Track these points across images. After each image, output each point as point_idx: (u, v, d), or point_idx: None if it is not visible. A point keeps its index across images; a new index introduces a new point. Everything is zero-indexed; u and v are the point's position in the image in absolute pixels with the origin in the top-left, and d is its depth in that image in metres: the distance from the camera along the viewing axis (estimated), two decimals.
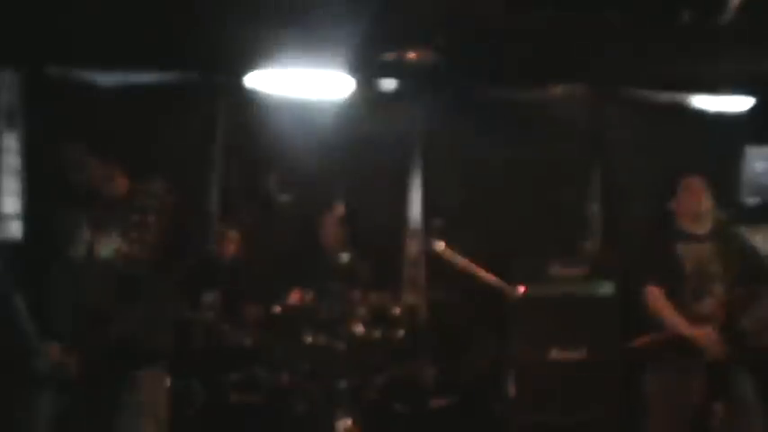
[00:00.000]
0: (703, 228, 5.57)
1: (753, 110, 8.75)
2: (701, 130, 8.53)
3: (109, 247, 4.10)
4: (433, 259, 7.04)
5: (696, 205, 5.56)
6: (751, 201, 9.15)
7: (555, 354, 7.12)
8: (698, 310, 5.35)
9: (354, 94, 7.31)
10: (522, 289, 6.48)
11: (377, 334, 6.05)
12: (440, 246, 6.27)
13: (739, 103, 8.73)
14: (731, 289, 5.41)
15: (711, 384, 5.28)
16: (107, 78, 6.96)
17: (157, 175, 4.24)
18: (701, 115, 8.69)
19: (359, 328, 6.00)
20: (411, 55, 6.45)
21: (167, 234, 4.10)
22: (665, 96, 8.47)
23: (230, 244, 6.44)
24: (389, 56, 6.47)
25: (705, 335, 5.24)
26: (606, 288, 7.27)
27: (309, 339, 5.92)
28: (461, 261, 6.28)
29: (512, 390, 6.52)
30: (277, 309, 6.12)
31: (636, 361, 5.61)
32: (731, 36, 4.27)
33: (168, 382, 4.71)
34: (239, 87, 7.11)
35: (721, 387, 5.31)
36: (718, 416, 5.31)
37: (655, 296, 5.42)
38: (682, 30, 3.98)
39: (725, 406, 5.30)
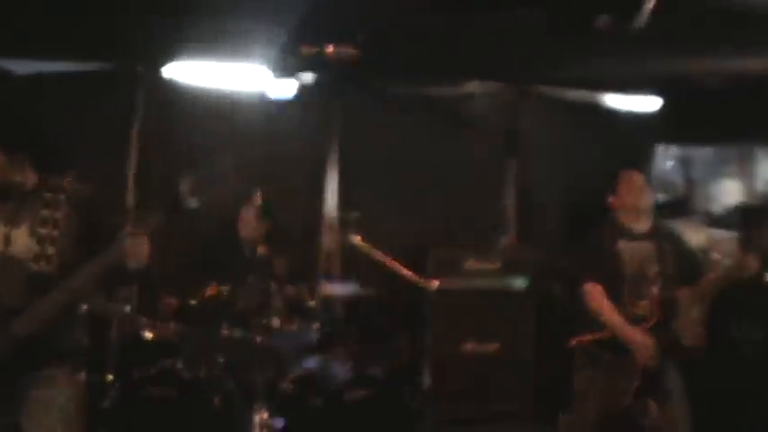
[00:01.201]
0: (644, 225, 5.56)
1: (662, 110, 8.94)
2: (612, 129, 8.70)
3: (19, 242, 4.02)
4: (349, 252, 7.08)
5: (637, 201, 5.54)
6: (660, 198, 9.36)
7: (469, 347, 7.23)
8: (635, 310, 5.36)
9: (272, 88, 7.29)
10: (436, 283, 6.51)
11: (293, 327, 6.05)
12: (355, 239, 6.29)
13: (649, 103, 8.92)
14: (666, 289, 5.42)
15: (644, 383, 5.30)
16: (19, 67, 6.82)
17: (70, 168, 4.18)
18: (613, 114, 8.86)
19: (275, 321, 6.00)
20: (330, 50, 6.46)
21: (80, 229, 4.05)
22: (578, 95, 8.61)
23: (146, 238, 6.38)
24: (308, 50, 6.47)
25: (641, 336, 5.25)
26: (520, 283, 7.40)
27: (226, 332, 5.89)
28: (377, 254, 6.32)
29: (427, 382, 6.58)
30: (193, 302, 6.09)
31: (569, 358, 5.61)
32: (642, 38, 4.36)
33: (82, 377, 4.66)
34: (158, 78, 7.03)
35: (653, 385, 5.34)
36: (651, 413, 5.33)
37: (595, 295, 5.38)
38: (595, 31, 4.05)
39: (655, 403, 5.33)
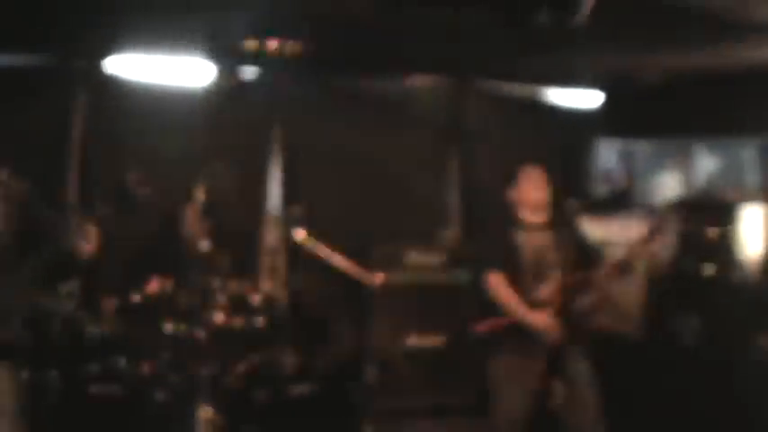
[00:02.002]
0: (542, 217, 5.74)
1: (603, 104, 9.05)
2: (554, 123, 8.78)
3: None
4: (293, 247, 7.08)
5: (536, 195, 5.71)
6: (602, 191, 9.48)
7: (413, 340, 7.27)
8: (537, 296, 5.53)
9: (214, 82, 7.26)
10: (380, 277, 6.54)
11: (237, 322, 6.05)
12: (299, 234, 6.29)
13: (591, 98, 9.01)
14: (566, 275, 5.58)
15: (550, 365, 5.49)
16: None
17: (6, 163, 4.14)
18: (555, 108, 8.94)
19: (219, 317, 5.99)
20: (272, 44, 6.46)
21: (17, 225, 4.02)
22: (521, 89, 8.68)
23: (88, 234, 6.32)
24: (250, 44, 6.46)
25: (544, 319, 5.43)
26: (463, 276, 7.41)
27: (169, 328, 5.88)
28: (320, 249, 6.32)
29: (371, 376, 6.60)
30: (136, 298, 6.06)
31: (481, 345, 5.76)
32: (582, 34, 4.43)
33: (23, 375, 4.61)
34: (98, 72, 6.95)
35: (559, 367, 5.51)
36: (558, 395, 5.53)
37: (496, 283, 5.55)
38: (536, 27, 4.10)
39: (563, 385, 5.52)
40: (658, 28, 5.53)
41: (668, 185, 9.54)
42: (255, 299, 6.42)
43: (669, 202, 8.25)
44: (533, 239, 5.66)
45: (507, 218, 5.78)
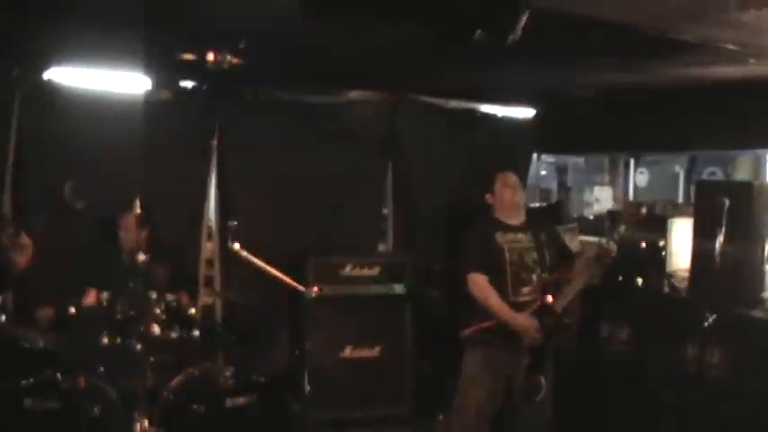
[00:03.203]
0: (519, 219, 6.09)
1: (536, 119, 9.18)
2: (489, 137, 8.88)
3: None
4: (229, 260, 7.09)
5: (512, 197, 6.08)
6: (536, 204, 9.62)
7: (349, 352, 7.32)
8: (519, 297, 5.82)
9: (152, 94, 7.24)
10: (316, 289, 6.57)
11: (173, 334, 6.03)
12: (235, 246, 6.31)
13: (524, 113, 9.14)
14: (545, 274, 5.96)
15: (533, 361, 5.74)
16: None
17: None
18: (490, 123, 9.05)
19: (155, 329, 5.97)
20: (209, 57, 6.46)
21: None
22: (457, 104, 8.77)
23: (23, 246, 6.28)
24: (187, 57, 6.46)
25: (526, 319, 5.70)
26: (399, 288, 7.51)
27: (105, 340, 5.84)
28: (257, 261, 6.34)
29: (307, 388, 6.63)
30: (72, 310, 6.02)
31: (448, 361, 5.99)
32: (516, 52, 4.52)
33: None
34: (36, 81, 6.88)
35: (542, 363, 5.78)
36: (542, 389, 5.75)
37: (480, 283, 5.79)
38: (471, 44, 4.19)
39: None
40: (590, 45, 5.64)
41: (601, 199, 9.74)
42: (192, 311, 6.41)
43: (602, 215, 8.41)
44: (513, 240, 5.97)
45: (485, 221, 6.10)
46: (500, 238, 5.96)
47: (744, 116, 7.08)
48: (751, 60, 5.78)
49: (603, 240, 5.99)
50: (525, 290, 5.87)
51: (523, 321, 5.69)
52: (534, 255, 5.99)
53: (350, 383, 7.24)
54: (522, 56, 5.13)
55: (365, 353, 7.34)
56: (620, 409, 6.71)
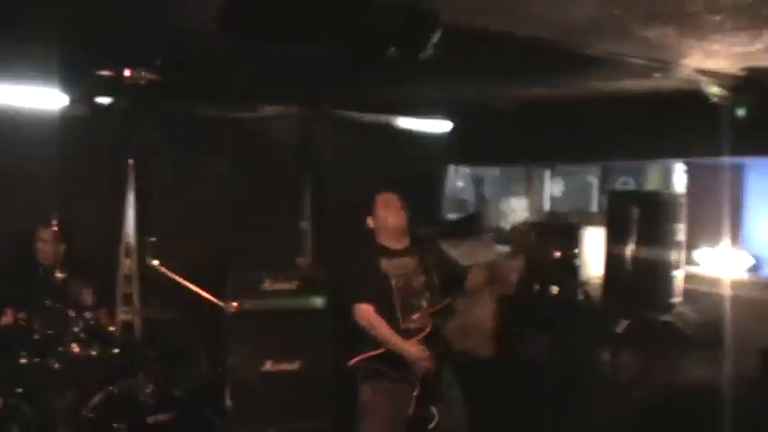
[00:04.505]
0: (403, 243, 5.79)
1: (453, 132, 9.29)
2: (406, 150, 8.97)
3: None
4: (148, 276, 7.06)
5: (394, 220, 5.74)
6: (452, 216, 9.74)
7: (269, 366, 7.31)
8: (408, 324, 5.54)
9: (68, 109, 7.19)
10: (235, 304, 6.58)
11: (93, 352, 5.99)
12: (154, 262, 6.28)
13: (441, 126, 9.26)
14: (434, 300, 5.65)
15: (424, 390, 5.49)
16: None
17: None
18: (407, 136, 9.14)
19: (75, 348, 5.93)
20: (126, 73, 6.45)
21: None
22: (374, 118, 8.85)
23: None
24: (104, 73, 6.44)
25: (416, 347, 5.46)
26: (318, 302, 7.52)
27: (24, 360, 5.79)
28: (176, 277, 6.33)
29: (229, 402, 6.63)
30: None
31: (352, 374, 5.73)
32: (430, 67, 4.59)
33: None
34: None
35: (434, 392, 5.53)
36: (435, 419, 5.51)
37: (366, 314, 5.53)
38: (386, 60, 4.25)
39: (439, 408, 5.53)
40: (503, 60, 5.75)
41: (515, 209, 9.88)
42: (111, 328, 6.39)
43: (517, 226, 8.52)
44: (398, 265, 5.66)
45: (369, 245, 5.79)
46: (385, 264, 5.65)
47: (653, 128, 7.26)
48: (656, 74, 5.93)
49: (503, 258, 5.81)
50: (415, 316, 5.58)
51: (412, 349, 5.46)
52: (422, 278, 5.69)
53: (271, 398, 7.20)
54: (437, 70, 5.20)
55: (286, 366, 7.32)
56: (537, 415, 6.80)
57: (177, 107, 7.81)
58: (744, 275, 6.89)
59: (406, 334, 5.52)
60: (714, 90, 6.08)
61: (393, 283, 5.61)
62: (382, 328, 5.51)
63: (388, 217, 5.74)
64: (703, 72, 5.93)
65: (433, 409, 5.52)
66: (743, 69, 5.85)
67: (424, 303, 5.64)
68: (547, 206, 10.32)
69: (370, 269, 5.65)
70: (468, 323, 6.57)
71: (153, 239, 6.33)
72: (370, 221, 5.80)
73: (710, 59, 5.57)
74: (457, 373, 5.76)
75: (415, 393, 5.48)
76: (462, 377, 5.78)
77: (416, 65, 4.34)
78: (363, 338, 5.61)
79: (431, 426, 5.53)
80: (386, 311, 5.55)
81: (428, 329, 5.56)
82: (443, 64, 4.65)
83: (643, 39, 4.90)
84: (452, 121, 9.24)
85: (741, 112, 6.15)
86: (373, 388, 5.62)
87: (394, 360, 5.49)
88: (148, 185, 7.67)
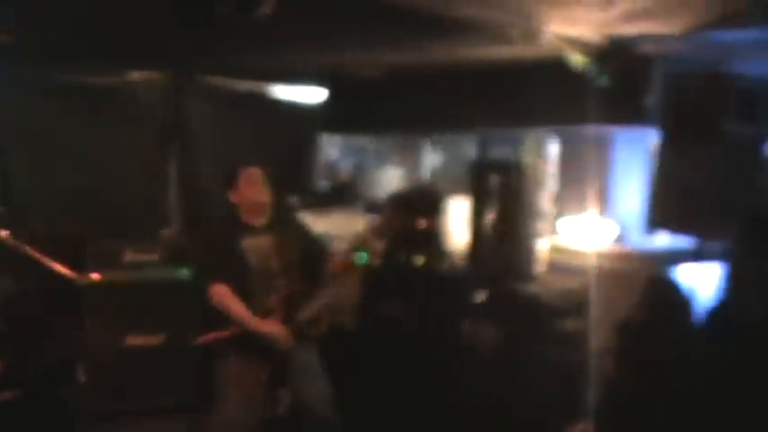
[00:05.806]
0: (263, 219, 5.64)
1: (326, 100, 9.18)
2: (277, 119, 8.83)
3: None
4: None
5: (256, 197, 5.58)
6: (324, 186, 9.63)
7: (131, 340, 7.10)
8: (265, 304, 5.43)
9: None
10: (95, 276, 6.38)
11: None
12: (2, 233, 6.05)
13: (314, 94, 9.13)
14: (291, 283, 5.54)
15: (273, 374, 5.42)
16: None
17: None
18: (278, 104, 8.99)
19: None
20: None
21: None
22: (243, 85, 8.68)
23: None
24: None
25: (272, 327, 5.34)
26: (182, 273, 7.33)
27: None
28: (27, 250, 6.10)
29: (83, 378, 6.42)
30: None
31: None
32: (299, 29, 4.45)
33: None
34: None
35: (283, 375, 5.46)
36: (282, 402, 5.50)
37: (220, 294, 5.39)
38: (255, 22, 4.07)
39: (292, 393, 5.50)
40: (375, 24, 5.62)
41: (393, 180, 9.81)
42: None
43: (385, 197, 8.47)
44: (257, 244, 5.53)
45: (229, 221, 5.65)
46: (244, 242, 5.51)
47: (522, 96, 7.23)
48: (520, 41, 5.87)
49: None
50: (272, 297, 5.47)
51: (270, 329, 5.34)
52: (278, 259, 5.56)
53: (131, 373, 7.00)
54: (297, 34, 5.07)
55: (147, 340, 7.13)
56: (399, 385, 6.74)
57: (35, 73, 7.52)
58: (608, 246, 6.90)
59: (264, 314, 5.40)
60: (577, 58, 6.05)
61: (251, 262, 5.48)
62: (237, 309, 5.36)
63: (250, 193, 5.57)
64: (567, 40, 5.90)
65: (282, 393, 5.51)
66: (604, 37, 5.83)
67: (281, 284, 5.52)
68: (427, 177, 10.29)
69: (225, 247, 5.51)
70: (335, 299, 6.43)
71: (1, 210, 6.07)
72: (232, 195, 5.61)
73: (572, 27, 5.54)
74: (318, 348, 5.68)
75: (270, 372, 5.40)
76: (324, 351, 5.70)
77: (287, 28, 4.16)
78: (219, 319, 5.48)
79: (280, 410, 5.51)
80: (244, 291, 5.40)
81: (284, 310, 5.44)
82: (301, 28, 4.49)
83: (504, 3, 4.82)
84: (326, 89, 9.11)
85: (604, 81, 6.13)
86: (227, 365, 5.51)
87: (248, 339, 5.35)
88: (3, 155, 7.40)
